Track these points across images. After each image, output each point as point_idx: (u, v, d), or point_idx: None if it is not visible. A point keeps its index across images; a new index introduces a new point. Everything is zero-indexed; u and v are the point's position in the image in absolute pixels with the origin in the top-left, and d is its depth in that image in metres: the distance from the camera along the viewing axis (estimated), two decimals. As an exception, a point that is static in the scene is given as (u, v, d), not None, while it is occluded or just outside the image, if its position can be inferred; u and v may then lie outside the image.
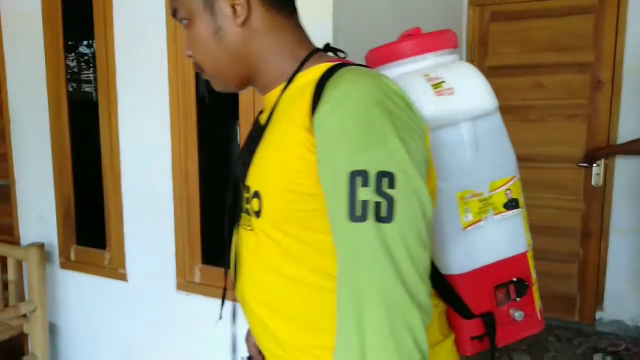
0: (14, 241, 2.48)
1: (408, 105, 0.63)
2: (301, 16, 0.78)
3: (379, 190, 0.57)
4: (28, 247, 2.25)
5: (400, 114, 0.60)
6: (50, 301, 2.36)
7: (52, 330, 2.40)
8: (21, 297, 2.39)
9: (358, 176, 0.57)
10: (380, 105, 0.59)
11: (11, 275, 2.35)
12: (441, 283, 0.75)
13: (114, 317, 2.24)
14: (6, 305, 2.40)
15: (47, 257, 2.34)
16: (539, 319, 0.80)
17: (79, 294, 2.35)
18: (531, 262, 0.78)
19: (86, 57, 2.29)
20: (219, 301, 0.89)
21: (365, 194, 0.57)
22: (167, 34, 1.91)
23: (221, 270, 1.83)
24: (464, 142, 0.73)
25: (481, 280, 0.75)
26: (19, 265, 2.39)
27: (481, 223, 0.74)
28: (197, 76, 1.91)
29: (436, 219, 0.70)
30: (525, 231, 0.78)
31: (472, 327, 0.75)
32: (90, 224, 2.34)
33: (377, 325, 0.56)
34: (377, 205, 0.57)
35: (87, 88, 2.28)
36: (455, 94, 0.72)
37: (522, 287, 0.76)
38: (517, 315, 0.76)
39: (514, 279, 0.76)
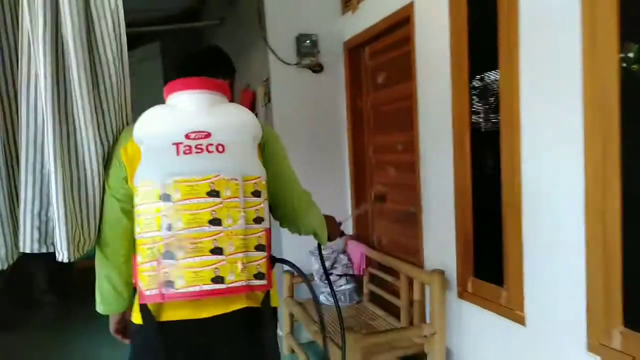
0: (418, 263, 2.72)
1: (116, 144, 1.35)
2: None
3: None
4: (432, 273, 2.41)
5: (114, 152, 1.33)
6: (446, 326, 2.45)
7: (447, 354, 2.49)
8: (421, 317, 2.59)
9: None
10: None
11: (416, 295, 2.58)
12: None
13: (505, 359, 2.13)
14: (411, 322, 2.64)
15: (447, 283, 2.45)
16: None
17: (473, 326, 2.35)
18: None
19: (490, 88, 2.28)
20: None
21: None
22: (583, 59, 1.67)
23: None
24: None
25: None
26: (422, 287, 2.59)
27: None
28: (624, 107, 1.59)
29: None
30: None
31: None
32: (488, 258, 2.31)
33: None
34: None
35: (492, 119, 2.26)
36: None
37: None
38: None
39: None
